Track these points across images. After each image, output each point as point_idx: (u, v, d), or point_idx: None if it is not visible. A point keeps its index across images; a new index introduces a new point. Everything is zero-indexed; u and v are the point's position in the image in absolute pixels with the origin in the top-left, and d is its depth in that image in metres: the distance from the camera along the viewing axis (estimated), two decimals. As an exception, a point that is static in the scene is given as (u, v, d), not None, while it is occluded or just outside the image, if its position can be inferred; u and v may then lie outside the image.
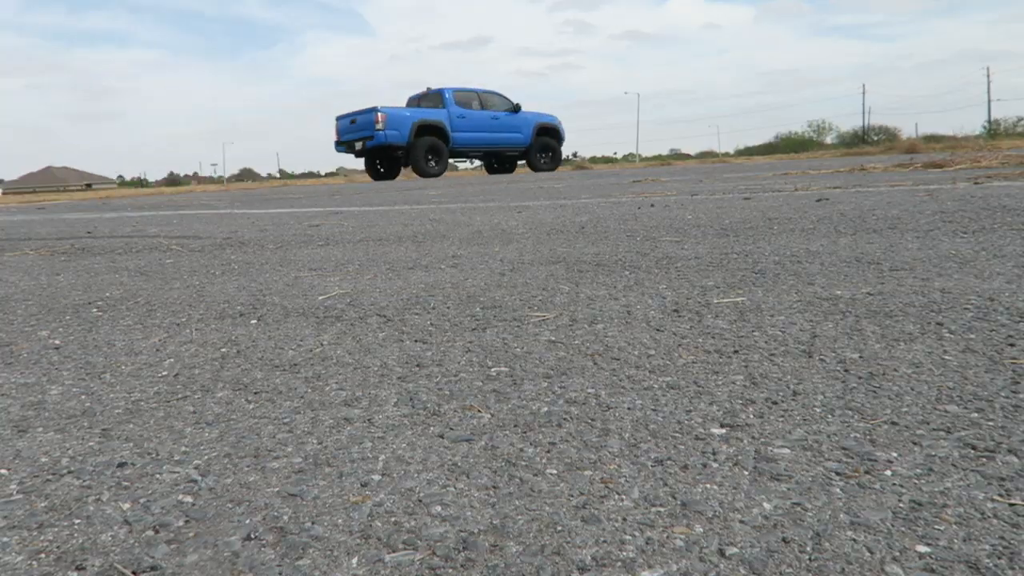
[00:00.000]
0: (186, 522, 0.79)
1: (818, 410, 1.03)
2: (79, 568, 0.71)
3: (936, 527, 0.72)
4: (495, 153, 17.07)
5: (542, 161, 17.06)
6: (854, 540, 0.70)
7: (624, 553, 0.70)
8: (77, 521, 0.81)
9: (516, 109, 16.69)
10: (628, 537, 0.72)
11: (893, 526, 0.72)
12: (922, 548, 0.68)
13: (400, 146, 15.23)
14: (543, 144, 17.10)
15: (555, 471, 0.88)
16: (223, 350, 1.53)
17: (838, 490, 0.80)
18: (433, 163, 15.54)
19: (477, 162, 19.26)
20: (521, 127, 16.76)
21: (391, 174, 16.26)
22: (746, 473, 0.85)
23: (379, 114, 14.96)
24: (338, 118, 16.24)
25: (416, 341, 1.52)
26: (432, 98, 16.34)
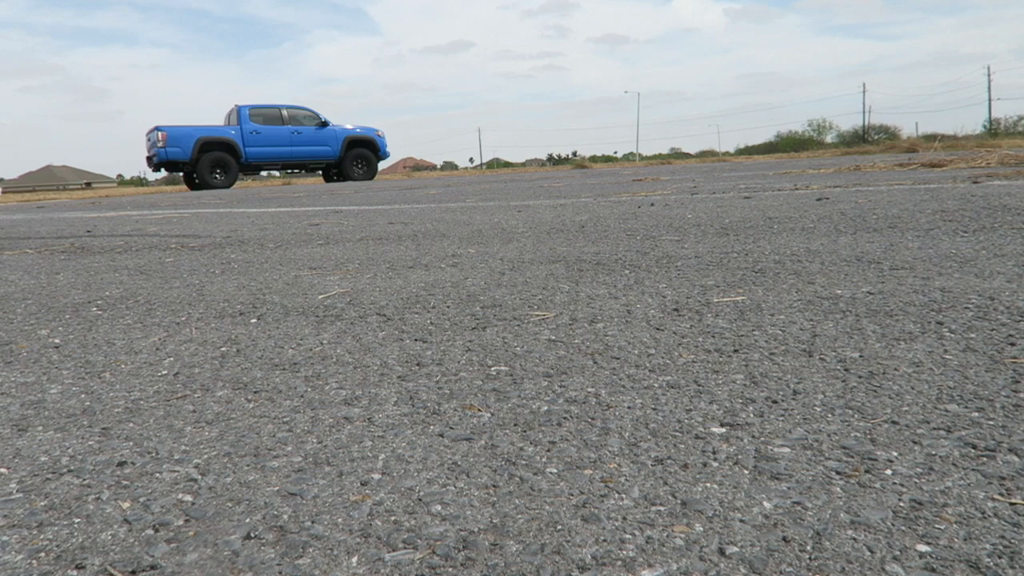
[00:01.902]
0: (186, 521, 0.79)
1: (818, 409, 1.03)
2: (79, 567, 0.71)
3: (937, 526, 0.72)
4: (299, 164, 18.14)
5: (356, 171, 18.35)
6: (854, 539, 0.70)
7: (624, 552, 0.69)
8: (77, 520, 0.81)
9: (323, 124, 17.91)
10: (628, 536, 0.72)
11: (894, 525, 0.72)
12: (923, 547, 0.68)
13: (184, 161, 16.61)
14: (358, 155, 18.42)
15: (555, 470, 0.88)
16: (223, 349, 1.53)
17: (838, 489, 0.80)
18: (219, 176, 16.88)
19: (478, 162, 20.16)
20: (328, 140, 18.04)
21: (205, 184, 17.11)
22: (746, 472, 0.85)
23: (160, 133, 16.35)
24: (147, 134, 17.42)
25: (416, 340, 1.52)
26: (231, 115, 17.69)
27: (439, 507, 0.80)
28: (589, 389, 1.16)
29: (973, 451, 0.88)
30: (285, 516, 0.79)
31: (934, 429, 0.94)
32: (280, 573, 0.69)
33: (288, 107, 18.10)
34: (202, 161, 16.65)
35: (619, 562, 0.68)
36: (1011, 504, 0.75)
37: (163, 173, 18.25)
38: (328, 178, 19.06)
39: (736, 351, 1.33)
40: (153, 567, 0.71)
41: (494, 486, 0.84)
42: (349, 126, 18.48)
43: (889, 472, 0.83)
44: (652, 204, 4.80)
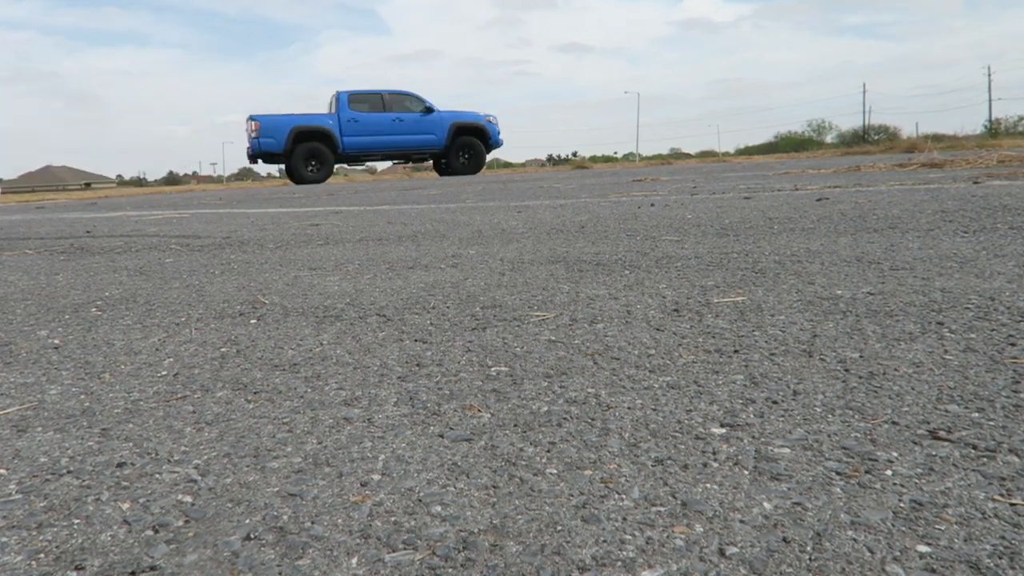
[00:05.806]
0: (185, 522, 0.79)
1: (818, 410, 1.03)
2: (78, 568, 0.71)
3: (937, 527, 0.72)
4: (401, 155, 16.44)
5: (460, 162, 16.44)
6: (855, 540, 0.70)
7: (624, 553, 0.69)
8: (76, 521, 0.80)
9: (428, 110, 16.19)
10: (628, 537, 0.72)
11: (894, 526, 0.72)
12: (923, 548, 0.68)
13: (279, 153, 15.24)
14: (464, 144, 16.41)
15: (555, 471, 0.88)
16: (223, 350, 1.53)
17: (838, 490, 0.80)
18: (314, 169, 15.47)
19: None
20: (433, 128, 16.18)
21: (298, 178, 15.64)
22: (746, 473, 0.85)
23: (253, 123, 15.04)
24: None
25: (416, 341, 1.52)
26: (332, 102, 15.97)
27: (439, 508, 0.80)
28: (589, 390, 1.16)
29: (973, 452, 0.88)
30: (285, 517, 0.79)
31: (934, 429, 0.94)
32: (280, 574, 0.69)
33: (391, 92, 16.16)
34: (296, 152, 15.14)
35: (619, 563, 0.68)
36: (1011, 505, 0.75)
37: (261, 164, 16.64)
38: (440, 170, 16.97)
39: (736, 351, 1.33)
40: (153, 568, 0.71)
41: (494, 487, 0.84)
42: (458, 110, 16.53)
43: (889, 473, 0.83)
44: (652, 204, 4.80)
